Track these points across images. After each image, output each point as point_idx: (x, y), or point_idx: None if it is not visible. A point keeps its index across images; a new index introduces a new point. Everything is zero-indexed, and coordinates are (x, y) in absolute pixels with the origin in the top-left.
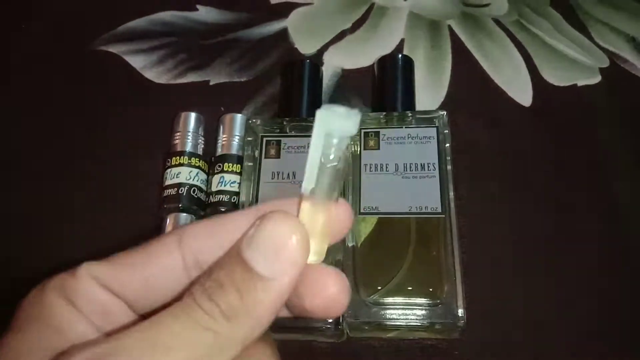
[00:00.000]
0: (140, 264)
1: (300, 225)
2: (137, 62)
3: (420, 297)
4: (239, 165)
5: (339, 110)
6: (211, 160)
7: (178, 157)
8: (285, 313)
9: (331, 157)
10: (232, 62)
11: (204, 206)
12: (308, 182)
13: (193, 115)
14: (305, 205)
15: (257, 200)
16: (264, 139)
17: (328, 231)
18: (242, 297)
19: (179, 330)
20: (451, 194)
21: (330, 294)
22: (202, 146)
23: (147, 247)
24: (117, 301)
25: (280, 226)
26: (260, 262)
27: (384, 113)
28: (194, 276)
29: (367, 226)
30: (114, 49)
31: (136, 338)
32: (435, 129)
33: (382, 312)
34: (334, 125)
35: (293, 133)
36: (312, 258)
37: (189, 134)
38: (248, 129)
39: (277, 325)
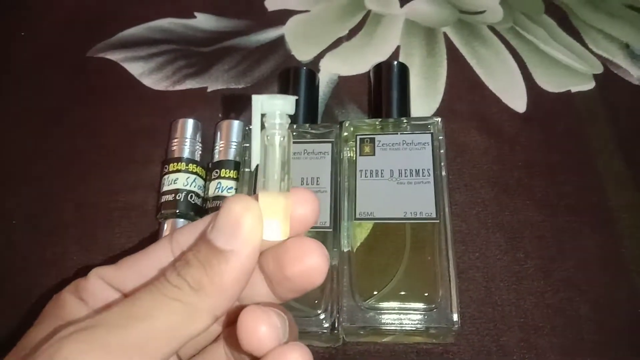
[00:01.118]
0: (138, 261)
1: (253, 203)
2: (135, 69)
3: (416, 302)
4: (236, 172)
5: (275, 95)
6: (208, 167)
7: (176, 164)
8: (271, 298)
9: (276, 136)
10: (230, 69)
11: (201, 212)
12: (254, 160)
13: (191, 121)
14: (261, 191)
15: None
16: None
17: (289, 211)
18: (206, 271)
19: (151, 303)
20: (446, 199)
21: (308, 260)
22: (200, 152)
23: (147, 248)
24: (118, 294)
25: (236, 205)
26: (220, 238)
27: (380, 119)
28: None
29: (363, 231)
30: (112, 56)
31: (115, 312)
32: (430, 135)
33: (378, 317)
34: (274, 106)
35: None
36: (279, 237)
37: (187, 140)
38: (245, 135)
39: None
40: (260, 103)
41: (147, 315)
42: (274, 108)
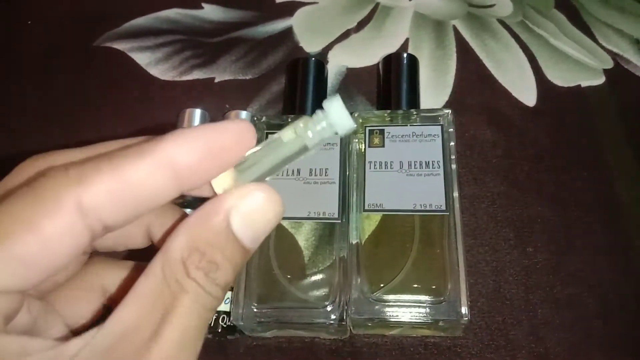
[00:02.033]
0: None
1: (281, 204)
2: (142, 59)
3: (424, 295)
4: None
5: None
6: None
7: None
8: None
9: (313, 142)
10: (238, 60)
11: None
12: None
13: (198, 111)
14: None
15: None
16: (269, 136)
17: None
18: (234, 271)
19: (196, 323)
20: (455, 192)
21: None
22: None
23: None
24: None
25: (269, 205)
26: (249, 237)
27: (389, 111)
28: None
29: (372, 223)
30: (119, 45)
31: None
32: (440, 127)
33: (386, 309)
34: (343, 120)
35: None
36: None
37: None
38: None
39: (281, 321)
40: (337, 107)
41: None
42: (335, 118)
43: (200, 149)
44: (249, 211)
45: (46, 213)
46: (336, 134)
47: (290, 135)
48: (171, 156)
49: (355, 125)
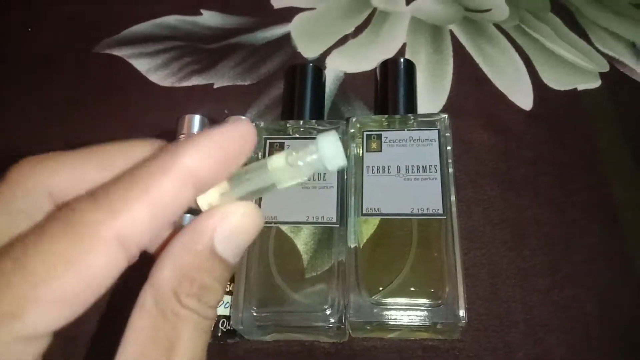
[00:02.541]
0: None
1: (261, 218)
2: (142, 65)
3: (422, 298)
4: (242, 166)
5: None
6: None
7: None
8: None
9: (303, 172)
10: (236, 66)
11: None
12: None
13: (197, 117)
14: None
15: (261, 201)
16: (267, 141)
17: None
18: (223, 288)
19: (201, 347)
20: (453, 196)
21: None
22: None
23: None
24: None
25: (252, 220)
26: (233, 254)
27: (386, 116)
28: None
29: (370, 227)
30: (119, 52)
31: None
32: (436, 131)
33: (384, 313)
34: (334, 157)
35: (296, 135)
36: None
37: None
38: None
39: (280, 325)
40: (330, 143)
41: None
42: (327, 154)
43: (217, 157)
44: (230, 230)
45: (88, 251)
46: (326, 168)
47: (280, 162)
48: (192, 169)
49: (346, 164)
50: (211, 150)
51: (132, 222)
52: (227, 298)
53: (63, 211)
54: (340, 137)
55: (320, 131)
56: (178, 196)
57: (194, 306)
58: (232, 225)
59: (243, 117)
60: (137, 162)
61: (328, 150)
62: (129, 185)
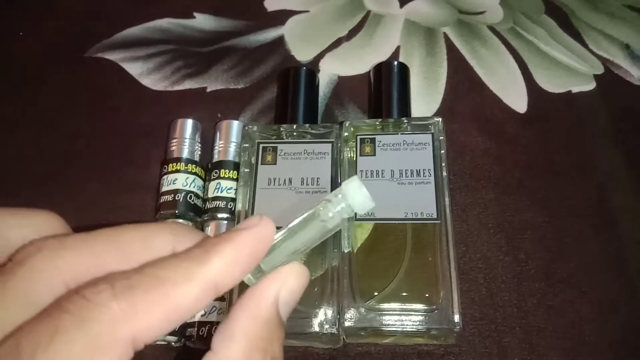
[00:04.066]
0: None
1: (308, 273)
2: (134, 69)
3: (417, 303)
4: (235, 172)
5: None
6: (208, 167)
7: (175, 164)
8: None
9: (334, 223)
10: (229, 69)
11: (201, 212)
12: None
13: (190, 121)
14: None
15: (253, 206)
16: (261, 146)
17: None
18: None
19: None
20: (447, 200)
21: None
22: (199, 153)
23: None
24: None
25: (306, 279)
26: (288, 314)
27: (380, 119)
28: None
29: (364, 232)
30: (111, 56)
31: None
32: (430, 135)
33: (379, 318)
34: (362, 202)
35: (289, 139)
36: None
37: (186, 140)
38: (245, 135)
39: None
40: (355, 189)
41: None
42: (354, 201)
43: (241, 266)
44: (289, 296)
45: (104, 353)
46: (355, 213)
47: (315, 223)
48: (216, 279)
49: (374, 204)
50: (235, 258)
51: (150, 325)
52: (215, 303)
53: (78, 302)
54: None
55: (314, 135)
56: (197, 304)
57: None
58: (292, 289)
59: (236, 123)
60: (160, 259)
61: (355, 197)
62: (151, 287)
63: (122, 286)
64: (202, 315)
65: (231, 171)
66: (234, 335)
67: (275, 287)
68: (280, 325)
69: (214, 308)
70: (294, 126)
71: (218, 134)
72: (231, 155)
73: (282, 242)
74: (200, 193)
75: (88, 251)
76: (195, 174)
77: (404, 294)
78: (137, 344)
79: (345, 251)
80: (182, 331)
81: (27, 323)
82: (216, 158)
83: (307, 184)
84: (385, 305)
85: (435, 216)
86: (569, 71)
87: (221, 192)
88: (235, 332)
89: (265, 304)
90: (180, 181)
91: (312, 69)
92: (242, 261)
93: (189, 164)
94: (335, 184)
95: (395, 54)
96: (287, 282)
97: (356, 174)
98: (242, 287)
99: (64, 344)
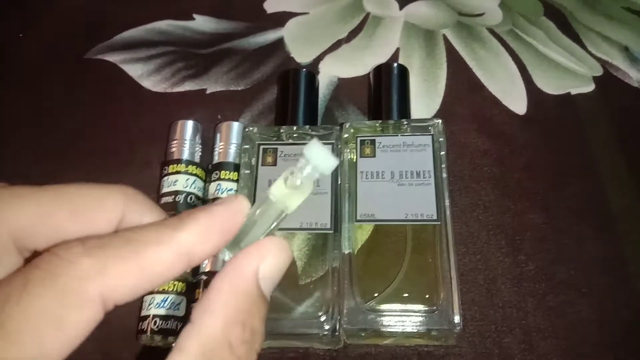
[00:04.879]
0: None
1: (290, 248)
2: (134, 70)
3: (417, 304)
4: (235, 173)
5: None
6: (208, 168)
7: (175, 165)
8: None
9: (304, 189)
10: (229, 71)
11: None
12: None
13: (190, 123)
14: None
15: None
16: (261, 147)
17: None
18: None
19: None
20: (447, 201)
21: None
22: (199, 154)
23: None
24: None
25: (287, 254)
26: (270, 290)
27: (380, 121)
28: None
29: (364, 233)
30: (110, 57)
31: None
32: (430, 136)
33: (379, 319)
34: (325, 161)
35: (290, 141)
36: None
37: (186, 141)
38: (245, 136)
39: (274, 332)
40: (316, 150)
41: None
42: (318, 161)
43: (215, 236)
44: (271, 268)
45: (73, 308)
46: (324, 174)
47: (281, 189)
48: (189, 246)
49: (339, 162)
50: (210, 227)
51: (120, 283)
52: None
53: (48, 258)
54: (322, 142)
55: (313, 137)
56: (169, 269)
57: (245, 356)
58: (272, 263)
59: (236, 124)
60: (135, 226)
61: (317, 158)
62: (123, 246)
63: (93, 244)
64: None
65: (231, 172)
66: (213, 307)
67: (254, 260)
68: (262, 299)
69: None
70: (294, 128)
71: (218, 135)
72: (231, 157)
73: (256, 218)
74: (200, 194)
75: (35, 202)
76: (195, 175)
77: (405, 295)
78: (107, 304)
79: (346, 252)
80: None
81: (1, 280)
82: (216, 159)
83: None
84: (386, 306)
85: (435, 217)
86: (568, 73)
87: (221, 193)
88: (214, 304)
89: (245, 277)
90: (181, 182)
91: (312, 70)
92: (216, 231)
93: (190, 166)
94: (335, 186)
95: (395, 56)
96: (268, 256)
97: (357, 176)
98: None
99: (33, 297)
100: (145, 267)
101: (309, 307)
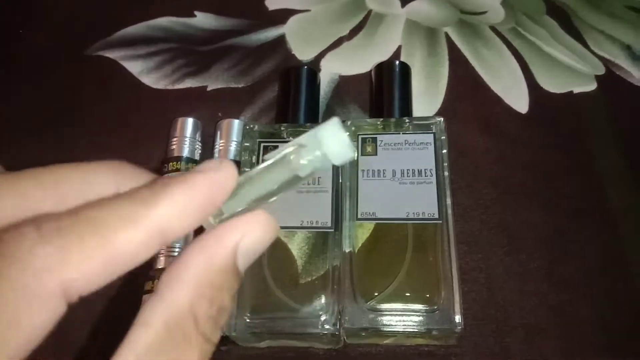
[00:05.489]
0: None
1: (277, 226)
2: (134, 67)
3: (418, 303)
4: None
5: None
6: None
7: (175, 163)
8: None
9: (306, 172)
10: (230, 68)
11: None
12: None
13: (190, 120)
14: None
15: None
16: (262, 145)
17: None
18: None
19: None
20: (448, 199)
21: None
22: (200, 151)
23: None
24: None
25: (273, 232)
26: (245, 266)
27: (381, 119)
28: None
29: (365, 232)
30: (111, 54)
31: None
32: (432, 135)
33: (380, 318)
34: (339, 149)
35: (290, 139)
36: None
37: (186, 139)
38: (245, 134)
39: (274, 332)
40: (332, 134)
41: None
42: (330, 149)
43: (193, 212)
44: (252, 245)
45: (29, 306)
46: (333, 164)
47: (281, 161)
48: (164, 223)
49: (354, 155)
50: (186, 202)
51: (84, 274)
52: None
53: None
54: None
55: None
56: (141, 251)
57: (210, 332)
58: (254, 239)
59: (237, 122)
60: (99, 201)
61: (332, 144)
62: (88, 229)
63: (50, 229)
64: None
65: None
66: (183, 278)
67: (235, 235)
68: (235, 275)
69: None
70: (295, 125)
71: (219, 133)
72: (232, 154)
73: (245, 185)
74: None
75: (15, 187)
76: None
77: (405, 294)
78: (69, 296)
79: (347, 251)
80: None
81: None
82: (217, 157)
83: (308, 183)
84: (387, 306)
85: (436, 216)
86: (570, 72)
87: None
88: (184, 275)
89: (222, 251)
90: None
91: (313, 68)
92: (194, 208)
93: (190, 163)
94: (336, 184)
95: (397, 54)
96: (251, 233)
97: (358, 174)
98: None
99: None
100: (112, 252)
101: (309, 307)
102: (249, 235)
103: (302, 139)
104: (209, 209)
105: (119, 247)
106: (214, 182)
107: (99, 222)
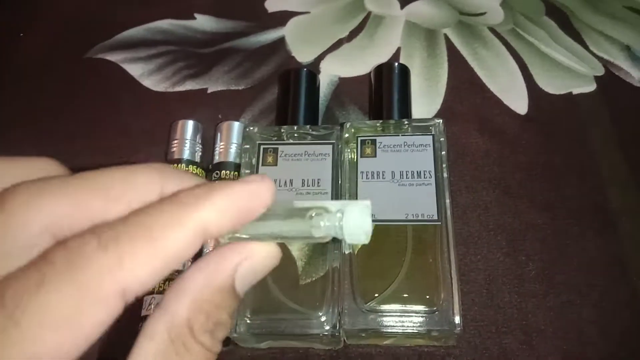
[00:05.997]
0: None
1: (279, 254)
2: (135, 70)
3: (417, 305)
4: (236, 173)
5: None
6: (209, 168)
7: (176, 165)
8: None
9: (320, 234)
10: (230, 70)
11: None
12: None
13: (191, 122)
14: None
15: None
16: (262, 147)
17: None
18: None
19: None
20: (447, 201)
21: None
22: (200, 154)
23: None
24: None
25: (274, 261)
26: (245, 288)
27: (381, 121)
28: None
29: None
30: (111, 57)
31: None
32: (431, 136)
33: (379, 320)
34: (357, 233)
35: (290, 141)
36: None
37: (187, 141)
38: (245, 136)
39: (274, 332)
40: (357, 217)
41: None
42: (349, 228)
43: (231, 214)
44: (252, 270)
45: (91, 306)
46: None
47: (304, 213)
48: (207, 225)
49: (367, 241)
50: (227, 207)
51: (139, 275)
52: None
53: (63, 252)
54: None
55: (314, 136)
56: (186, 250)
57: (206, 341)
58: (254, 265)
59: (237, 124)
60: (147, 206)
61: (353, 225)
62: (137, 236)
63: (108, 237)
64: None
65: (232, 172)
66: (183, 293)
67: (237, 257)
68: (232, 295)
69: None
70: (295, 127)
71: (219, 135)
72: (232, 157)
73: (268, 217)
74: None
75: (68, 194)
76: (195, 175)
77: (405, 295)
78: (127, 296)
79: (346, 252)
80: None
81: (12, 274)
82: (217, 159)
83: (307, 185)
84: (386, 307)
85: (435, 217)
86: (569, 72)
87: None
88: (185, 290)
89: (222, 272)
90: None
91: (313, 70)
92: (234, 214)
93: (190, 165)
94: (336, 185)
95: (396, 56)
96: (253, 258)
97: (357, 175)
98: None
99: (50, 295)
100: (162, 252)
101: (309, 308)
102: (250, 259)
103: (332, 204)
104: (246, 216)
105: (167, 249)
106: (253, 192)
107: (150, 226)
